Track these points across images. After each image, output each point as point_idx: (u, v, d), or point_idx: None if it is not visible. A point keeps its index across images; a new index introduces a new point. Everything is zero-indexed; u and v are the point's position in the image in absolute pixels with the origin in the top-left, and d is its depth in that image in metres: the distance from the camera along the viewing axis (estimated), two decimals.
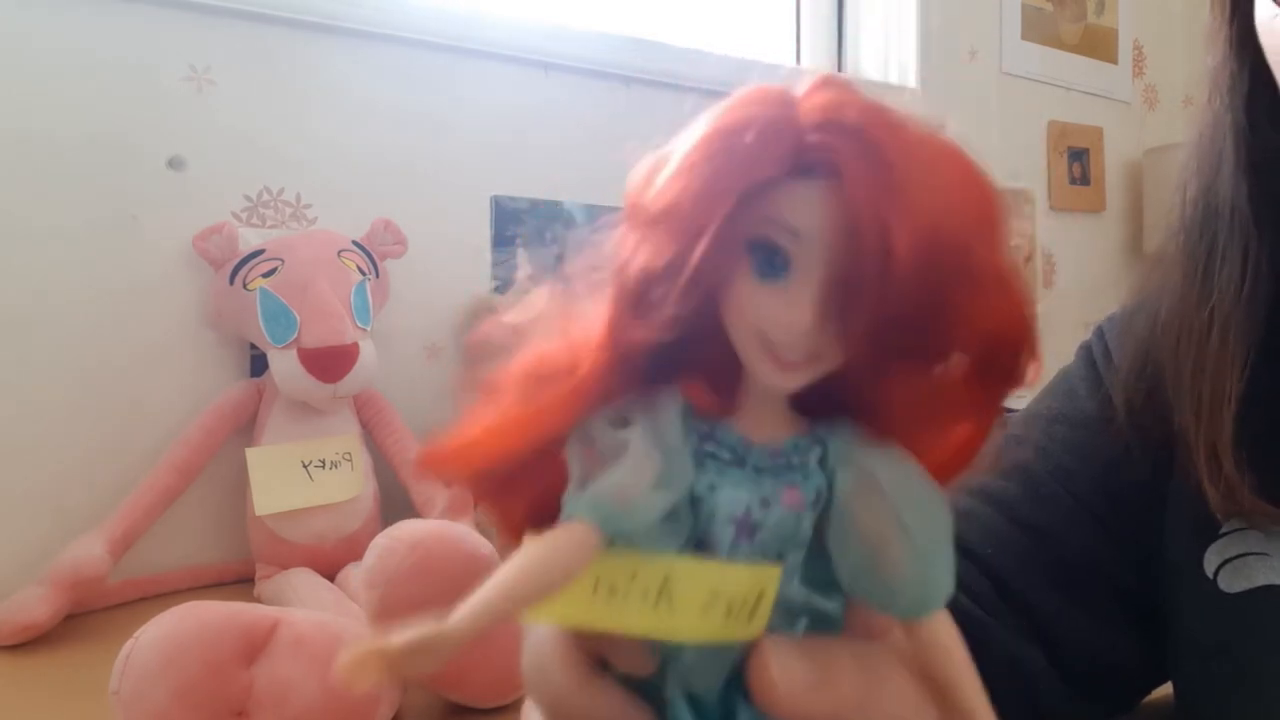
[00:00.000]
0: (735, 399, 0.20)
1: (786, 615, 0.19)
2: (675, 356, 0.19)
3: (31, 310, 0.80)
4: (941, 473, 0.20)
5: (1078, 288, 1.64)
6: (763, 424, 0.19)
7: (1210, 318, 0.38)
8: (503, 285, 1.04)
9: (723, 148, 0.17)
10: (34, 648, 0.68)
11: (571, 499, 0.18)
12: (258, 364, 0.89)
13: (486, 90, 1.04)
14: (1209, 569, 0.39)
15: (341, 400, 0.85)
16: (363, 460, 0.85)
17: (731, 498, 0.19)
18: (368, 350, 0.83)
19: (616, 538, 0.18)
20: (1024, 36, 1.60)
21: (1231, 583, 0.38)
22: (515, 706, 0.57)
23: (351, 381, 0.82)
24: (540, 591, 0.17)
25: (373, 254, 0.91)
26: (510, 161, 1.05)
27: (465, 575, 0.52)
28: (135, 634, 0.45)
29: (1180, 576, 0.41)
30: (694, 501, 0.19)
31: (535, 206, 1.07)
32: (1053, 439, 0.45)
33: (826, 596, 0.20)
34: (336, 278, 0.84)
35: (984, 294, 0.18)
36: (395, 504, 0.86)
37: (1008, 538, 0.43)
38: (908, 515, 0.19)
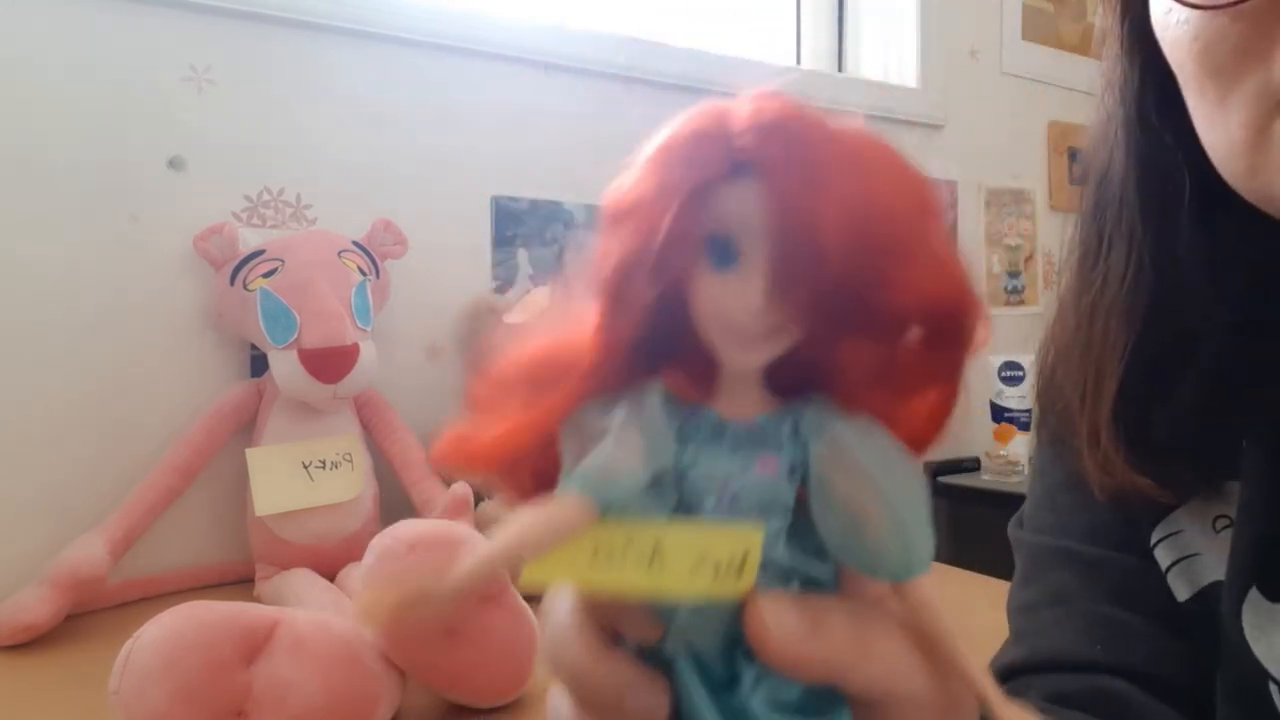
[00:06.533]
0: (713, 386, 0.22)
1: (779, 578, 0.21)
2: (659, 353, 0.22)
3: (32, 310, 0.80)
4: (916, 441, 0.22)
5: None
6: (739, 404, 0.22)
7: (1095, 302, 0.40)
8: (503, 285, 1.04)
9: (667, 156, 0.21)
10: (34, 648, 0.68)
11: (564, 479, 0.21)
12: (258, 364, 0.89)
13: (486, 90, 1.04)
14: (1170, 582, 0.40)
15: (342, 400, 0.85)
16: (363, 461, 0.85)
17: (711, 468, 0.21)
18: (368, 351, 0.83)
19: (606, 507, 0.20)
20: (1024, 36, 1.60)
21: (1180, 590, 0.40)
22: (515, 707, 0.57)
23: (352, 382, 0.82)
24: (530, 550, 0.20)
25: (373, 254, 0.91)
26: (510, 161, 1.05)
27: None
28: (135, 634, 0.45)
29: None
30: (679, 476, 0.21)
31: (535, 206, 1.07)
32: (1061, 508, 0.46)
33: (819, 562, 0.22)
34: (337, 278, 0.84)
35: (918, 267, 0.20)
36: (395, 504, 0.86)
37: (1096, 624, 0.42)
38: (882, 481, 0.20)
